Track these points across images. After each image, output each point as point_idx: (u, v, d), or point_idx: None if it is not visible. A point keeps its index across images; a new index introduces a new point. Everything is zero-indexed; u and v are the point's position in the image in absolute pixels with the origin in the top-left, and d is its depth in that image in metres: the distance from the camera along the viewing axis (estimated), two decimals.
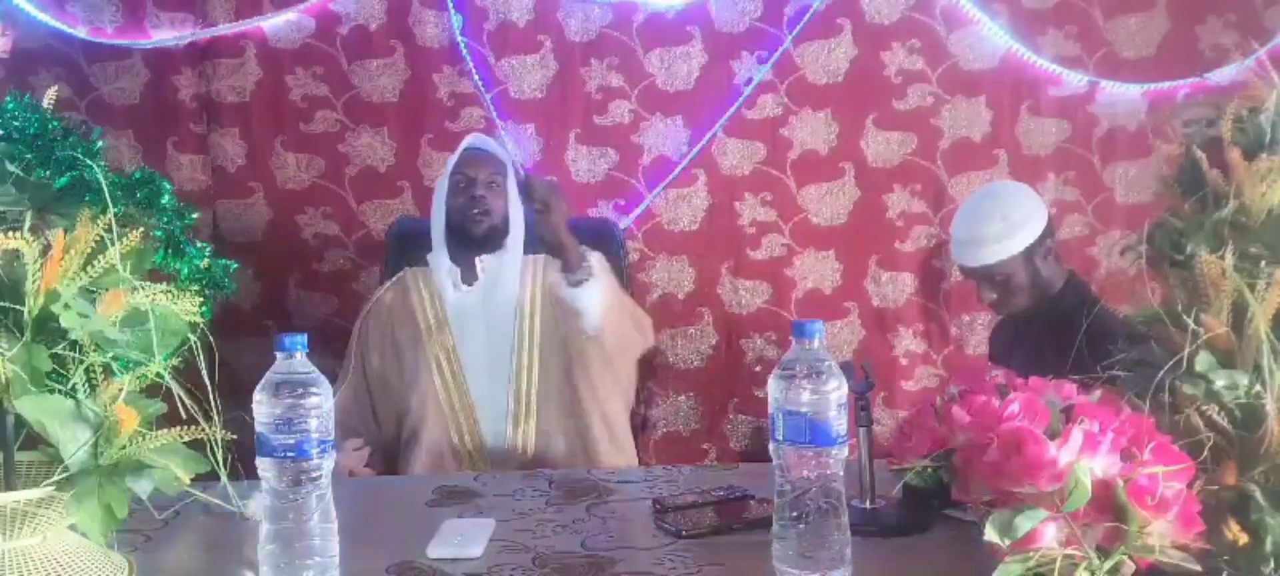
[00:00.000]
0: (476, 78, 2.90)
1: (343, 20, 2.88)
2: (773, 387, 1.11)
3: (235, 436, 1.15)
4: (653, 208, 2.95)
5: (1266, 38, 2.70)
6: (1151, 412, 1.11)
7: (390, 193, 2.93)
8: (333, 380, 2.13)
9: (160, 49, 2.87)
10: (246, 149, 2.91)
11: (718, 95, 2.91)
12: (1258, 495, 1.05)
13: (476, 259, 2.20)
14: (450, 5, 2.87)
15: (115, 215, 1.13)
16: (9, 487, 1.08)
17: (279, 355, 1.11)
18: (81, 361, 1.09)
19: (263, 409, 1.09)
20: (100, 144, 1.35)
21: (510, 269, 2.19)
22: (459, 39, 2.88)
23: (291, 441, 1.08)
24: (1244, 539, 1.04)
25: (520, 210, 2.21)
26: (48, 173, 1.24)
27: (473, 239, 2.18)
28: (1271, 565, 1.04)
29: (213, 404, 1.12)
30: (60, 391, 1.08)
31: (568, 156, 2.94)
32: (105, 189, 1.17)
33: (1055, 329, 2.02)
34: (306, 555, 1.10)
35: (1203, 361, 1.10)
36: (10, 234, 1.09)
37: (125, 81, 2.89)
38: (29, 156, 1.24)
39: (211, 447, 1.13)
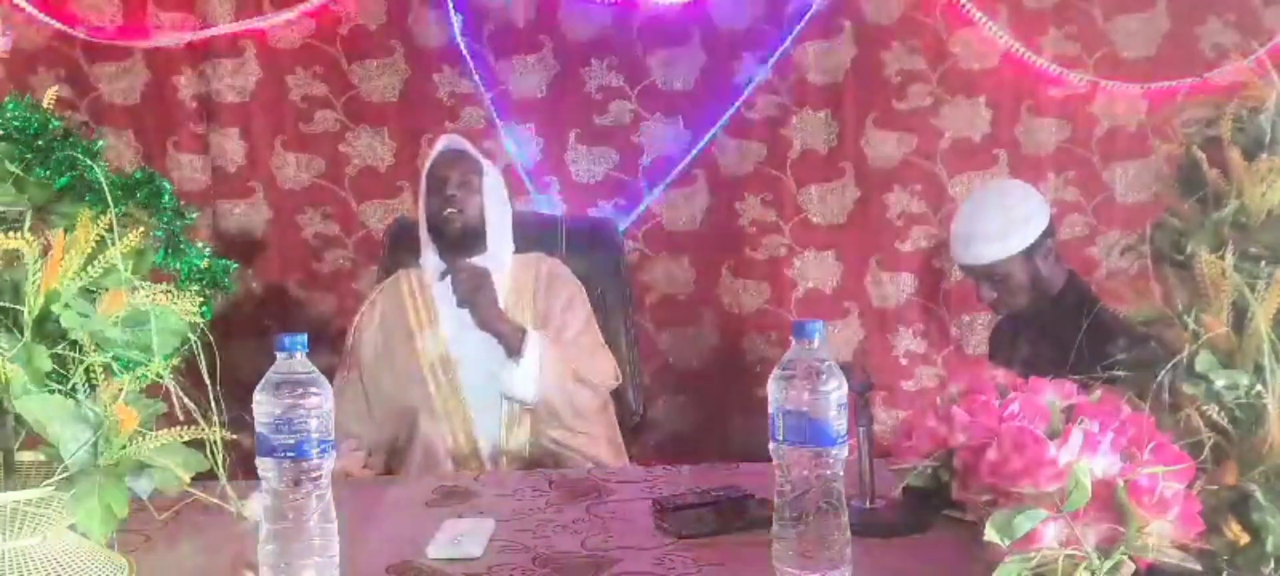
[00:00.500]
0: (476, 78, 2.90)
1: (343, 20, 2.88)
2: (773, 387, 1.11)
3: (235, 436, 1.15)
4: (653, 207, 2.95)
5: (1266, 38, 2.70)
6: (1151, 412, 1.11)
7: (390, 193, 2.93)
8: (331, 380, 2.12)
9: (160, 49, 2.87)
10: (246, 149, 2.91)
11: (718, 95, 2.91)
12: (1258, 495, 1.05)
13: (465, 261, 2.17)
14: (450, 5, 2.87)
15: (115, 215, 1.13)
16: (9, 487, 1.09)
17: (279, 355, 1.11)
18: (81, 361, 1.09)
19: (263, 409, 1.09)
20: (100, 144, 1.35)
21: (499, 270, 2.18)
22: (459, 39, 2.88)
23: (291, 441, 1.08)
24: (1245, 539, 1.04)
25: (502, 210, 2.21)
26: (48, 173, 1.24)
27: (449, 240, 2.16)
28: (1272, 565, 1.04)
29: (213, 404, 1.12)
30: (60, 391, 1.08)
31: (568, 156, 2.94)
32: (105, 189, 1.17)
33: (1055, 329, 2.03)
34: (306, 555, 1.10)
35: (1203, 361, 1.10)
36: (10, 234, 1.09)
37: (125, 81, 2.89)
38: (29, 156, 1.24)
39: (211, 448, 1.13)
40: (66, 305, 1.08)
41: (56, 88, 1.35)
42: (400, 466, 2.12)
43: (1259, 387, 1.07)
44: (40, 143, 1.27)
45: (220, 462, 1.14)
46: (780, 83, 2.90)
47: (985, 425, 1.15)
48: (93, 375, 1.09)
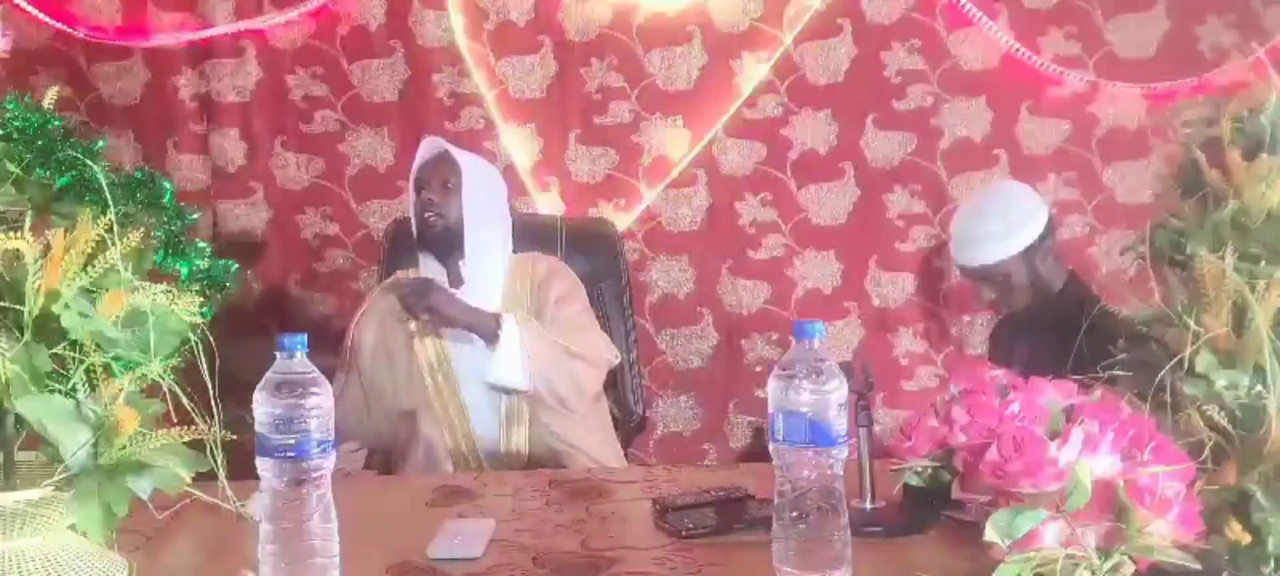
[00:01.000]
0: (476, 78, 2.90)
1: (343, 20, 2.88)
2: (773, 387, 1.11)
3: (235, 436, 1.15)
4: (653, 208, 2.95)
5: (1266, 38, 2.70)
6: (1152, 412, 1.11)
7: (390, 193, 2.93)
8: (331, 380, 2.12)
9: (160, 49, 2.87)
10: (246, 149, 2.91)
11: (718, 95, 2.91)
12: (1258, 495, 1.05)
13: (459, 263, 2.17)
14: (450, 5, 2.87)
15: (115, 215, 1.12)
16: (9, 487, 1.08)
17: (279, 355, 1.11)
18: (81, 361, 1.09)
19: (263, 409, 1.09)
20: (100, 144, 1.35)
21: (496, 269, 2.18)
22: (459, 39, 2.88)
23: (291, 441, 1.08)
24: (1247, 539, 1.04)
25: (488, 210, 2.18)
26: (48, 173, 1.24)
27: (432, 243, 2.16)
28: (1272, 565, 1.04)
29: (213, 404, 1.11)
30: (60, 391, 1.08)
31: (568, 156, 2.94)
32: (105, 189, 1.17)
33: (1055, 329, 2.02)
34: (306, 555, 1.10)
35: (1203, 361, 1.10)
36: (10, 234, 1.09)
37: (125, 81, 2.89)
38: (29, 156, 1.24)
39: (211, 448, 1.13)
40: (67, 305, 1.08)
41: (56, 88, 1.35)
42: (400, 466, 2.12)
43: (1259, 387, 1.07)
44: (40, 143, 1.28)
45: (220, 463, 1.14)
46: (780, 83, 2.90)
47: (985, 425, 1.15)
48: (93, 375, 1.09)
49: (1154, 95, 2.86)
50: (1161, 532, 1.01)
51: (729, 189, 2.94)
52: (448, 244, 2.15)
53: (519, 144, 2.93)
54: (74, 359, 1.09)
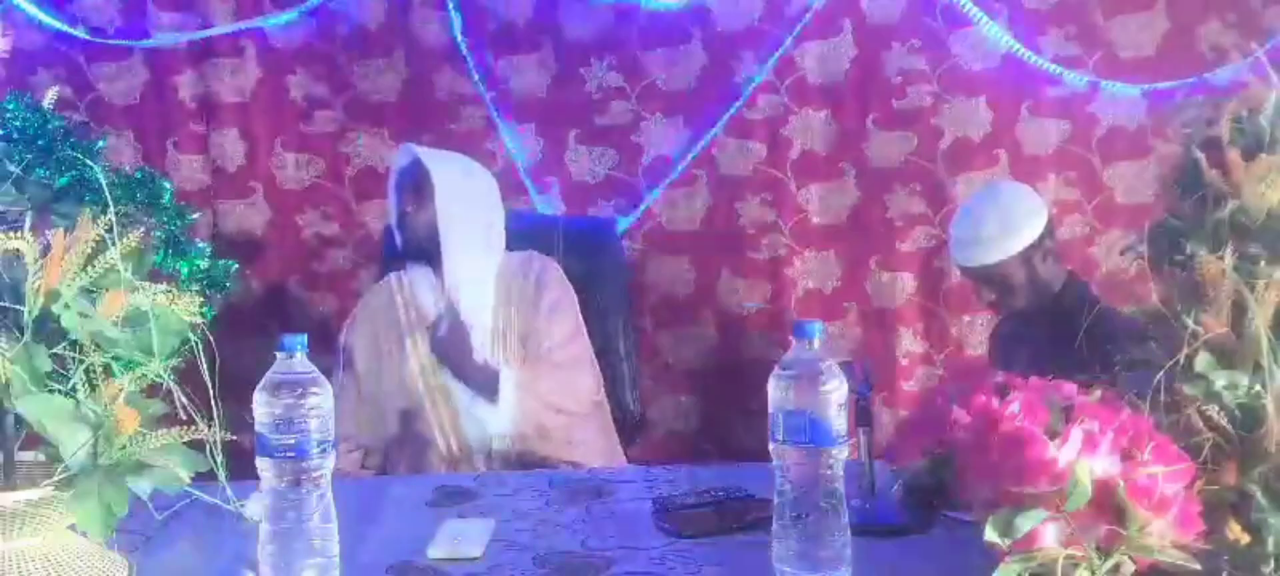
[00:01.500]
0: (476, 78, 2.90)
1: (342, 20, 2.88)
2: (773, 387, 1.11)
3: (235, 437, 1.15)
4: (653, 208, 2.95)
5: (1266, 38, 2.70)
6: (1151, 412, 1.10)
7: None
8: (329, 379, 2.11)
9: (160, 49, 2.87)
10: (246, 149, 2.91)
11: (718, 95, 2.91)
12: (1258, 495, 1.05)
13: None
14: (450, 5, 2.87)
15: (115, 215, 1.13)
16: (9, 487, 1.09)
17: (279, 355, 1.11)
18: (81, 361, 1.09)
19: (263, 409, 1.09)
20: (100, 144, 1.35)
21: (484, 271, 2.17)
22: (459, 39, 2.88)
23: (291, 441, 1.08)
24: (1247, 539, 1.04)
25: (473, 212, 2.16)
26: (48, 173, 1.24)
27: (411, 254, 2.16)
28: (1272, 565, 1.04)
29: (213, 404, 1.12)
30: (60, 391, 1.08)
31: (568, 156, 2.94)
32: (105, 189, 1.17)
33: (1055, 329, 2.03)
34: (306, 555, 1.10)
35: (1203, 361, 1.10)
36: (10, 234, 1.09)
37: (125, 81, 2.89)
38: (29, 156, 1.24)
39: (211, 448, 1.14)
40: (66, 305, 1.08)
41: (56, 88, 1.35)
42: (396, 467, 2.12)
43: (1259, 387, 1.07)
44: (40, 143, 1.28)
45: (220, 463, 1.14)
46: (780, 83, 2.90)
47: (985, 425, 1.15)
48: (93, 375, 1.09)
49: (1154, 95, 2.86)
50: (1161, 532, 1.01)
51: (729, 189, 2.94)
52: (429, 252, 2.14)
53: (519, 144, 2.93)
54: (74, 359, 1.09)
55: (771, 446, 1.12)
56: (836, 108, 2.91)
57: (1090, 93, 2.89)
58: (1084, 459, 1.05)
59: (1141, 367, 1.16)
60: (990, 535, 1.02)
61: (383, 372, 2.16)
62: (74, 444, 1.06)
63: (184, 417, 1.12)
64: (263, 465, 1.10)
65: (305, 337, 1.12)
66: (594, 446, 2.15)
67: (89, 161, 1.21)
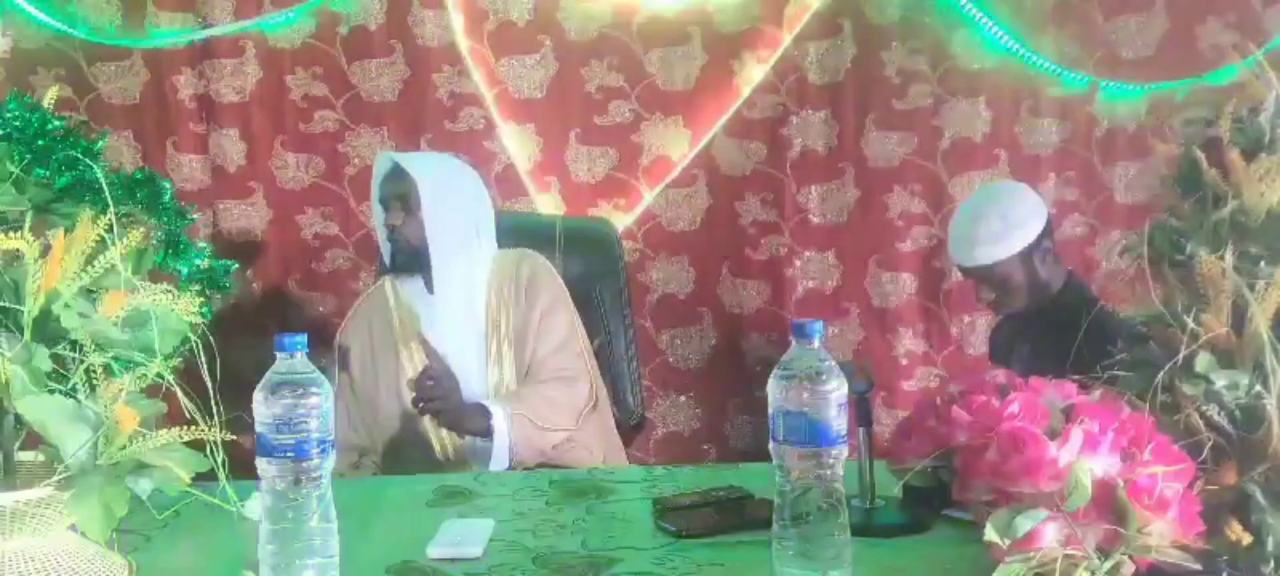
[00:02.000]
0: (476, 78, 2.90)
1: (343, 20, 2.88)
2: (773, 387, 1.11)
3: (235, 437, 1.15)
4: (653, 208, 2.95)
5: (1266, 38, 2.70)
6: (1151, 412, 1.11)
7: None
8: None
9: (160, 49, 2.87)
10: (246, 149, 2.91)
11: (718, 95, 2.91)
12: (1258, 495, 1.05)
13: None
14: (450, 5, 2.87)
15: (115, 215, 1.13)
16: (9, 487, 1.09)
17: (279, 355, 1.11)
18: (81, 361, 1.09)
19: (263, 409, 1.09)
20: (100, 144, 1.35)
21: (475, 273, 2.15)
22: (459, 39, 2.88)
23: (291, 441, 1.08)
24: (1248, 539, 1.04)
25: (460, 216, 2.13)
26: (48, 173, 1.24)
27: (402, 265, 2.12)
28: (1272, 565, 1.04)
29: (213, 404, 1.12)
30: (60, 391, 1.08)
31: (568, 156, 2.94)
32: (105, 189, 1.17)
33: (1055, 329, 2.03)
34: (306, 555, 1.10)
35: (1203, 361, 1.10)
36: (10, 234, 1.09)
37: (125, 81, 2.89)
38: (29, 156, 1.24)
39: (211, 448, 1.13)
40: (66, 305, 1.08)
41: (56, 88, 1.35)
42: (393, 471, 2.11)
43: (1259, 387, 1.08)
44: (40, 143, 1.28)
45: (220, 463, 1.14)
46: (780, 83, 2.90)
47: (985, 425, 1.15)
48: (93, 375, 1.09)
49: (1154, 95, 2.86)
50: (1161, 532, 1.02)
51: (729, 189, 2.94)
52: (420, 262, 2.11)
53: (519, 144, 2.93)
54: (74, 359, 1.09)
55: (771, 446, 1.12)
56: (836, 108, 2.91)
57: (1090, 93, 2.89)
58: (1084, 459, 1.05)
59: (1141, 368, 1.16)
60: (990, 535, 1.02)
61: (379, 376, 2.15)
62: (74, 444, 1.05)
63: (185, 417, 1.12)
64: (263, 465, 1.10)
65: (305, 338, 1.12)
66: (595, 446, 2.14)
67: (89, 161, 1.21)
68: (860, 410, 1.37)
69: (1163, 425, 1.10)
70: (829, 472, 1.09)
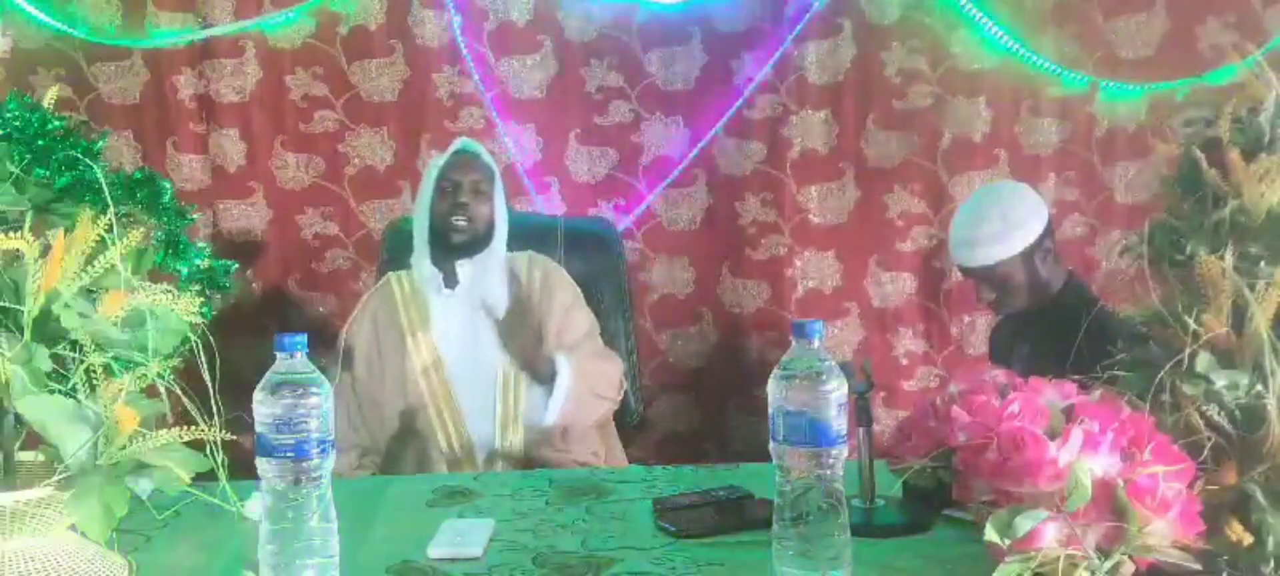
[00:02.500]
0: (476, 78, 2.90)
1: (343, 20, 2.88)
2: (773, 387, 1.11)
3: (235, 437, 1.15)
4: (653, 208, 2.95)
5: (1266, 38, 2.70)
6: (1151, 412, 1.11)
7: (390, 192, 2.93)
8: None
9: (160, 49, 2.87)
10: (246, 149, 2.91)
11: (718, 95, 2.91)
12: (1258, 495, 1.05)
13: (457, 263, 2.18)
14: (450, 5, 2.87)
15: (115, 215, 1.13)
16: (9, 487, 1.09)
17: (279, 355, 1.11)
18: (81, 361, 1.09)
19: (263, 409, 1.09)
20: (100, 144, 1.35)
21: (494, 272, 2.18)
22: (459, 39, 2.88)
23: (291, 441, 1.08)
24: (1248, 539, 1.04)
25: (505, 216, 2.21)
26: (48, 173, 1.24)
27: (452, 245, 2.16)
28: (1272, 565, 1.04)
29: (213, 404, 1.12)
30: (60, 391, 1.08)
31: (568, 156, 2.94)
32: (105, 189, 1.17)
33: (1055, 329, 2.03)
34: (306, 555, 1.10)
35: (1203, 361, 1.10)
36: (10, 234, 1.09)
37: (125, 81, 2.89)
38: (29, 156, 1.24)
39: (211, 448, 1.13)
40: (66, 305, 1.08)
41: (56, 88, 1.35)
42: (397, 466, 2.12)
43: (1259, 387, 1.08)
44: (40, 143, 1.27)
45: (220, 462, 1.14)
46: (780, 83, 2.90)
47: (985, 425, 1.15)
48: (93, 375, 1.09)
49: (1154, 95, 2.86)
50: (1161, 532, 1.02)
51: (729, 189, 2.94)
52: (468, 249, 2.15)
53: (519, 144, 2.93)
54: (74, 359, 1.09)
55: (771, 446, 1.12)
56: (836, 108, 2.91)
57: (1090, 93, 2.89)
58: (1084, 459, 1.05)
59: (1141, 367, 1.16)
60: (990, 535, 1.02)
61: (385, 372, 2.16)
62: (74, 444, 1.06)
63: (186, 417, 1.12)
64: (263, 465, 1.10)
65: (305, 337, 1.12)
66: (600, 448, 2.16)
67: (89, 161, 1.21)
68: (860, 410, 1.37)
69: (1163, 425, 1.10)
70: (829, 472, 1.09)
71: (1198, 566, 1.00)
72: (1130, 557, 1.01)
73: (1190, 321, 1.10)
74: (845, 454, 1.11)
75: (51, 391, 1.08)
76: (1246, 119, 1.18)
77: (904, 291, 2.96)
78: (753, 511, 1.39)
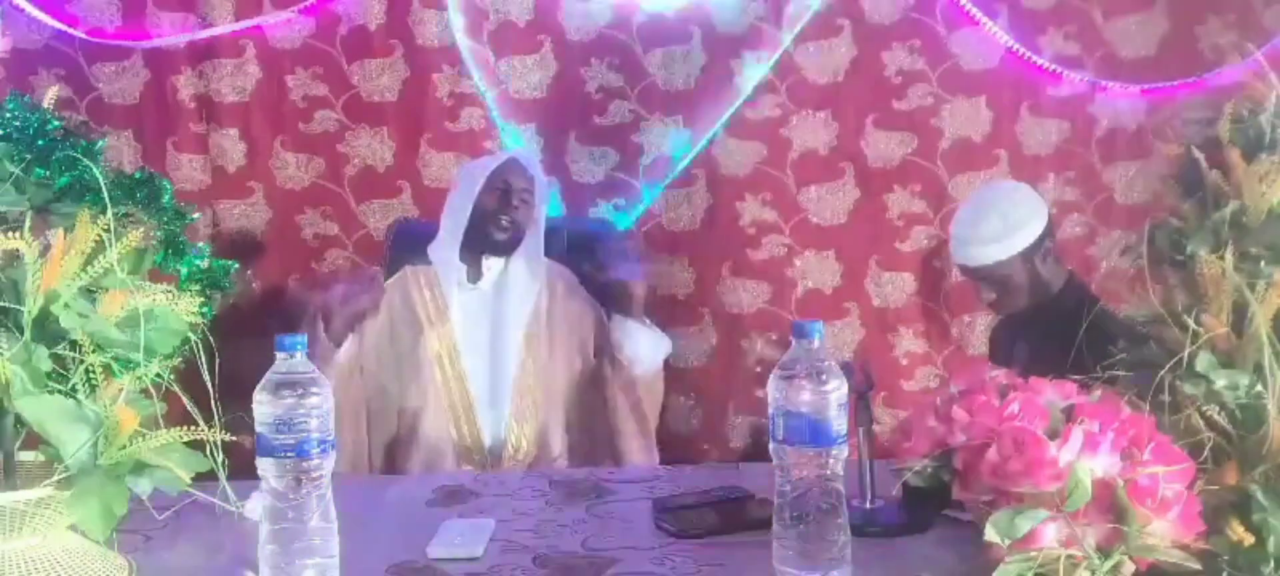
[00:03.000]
0: (476, 78, 2.90)
1: (343, 20, 2.88)
2: (773, 387, 1.11)
3: (235, 437, 1.15)
4: (653, 208, 2.95)
5: (1266, 38, 2.70)
6: (1152, 412, 1.11)
7: (390, 192, 2.93)
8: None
9: (160, 49, 2.87)
10: (246, 149, 2.91)
11: (718, 95, 2.91)
12: (1259, 495, 1.05)
13: (484, 258, 2.24)
14: (450, 5, 2.87)
15: (115, 215, 1.13)
16: (9, 487, 1.09)
17: (279, 355, 1.11)
18: (81, 361, 1.09)
19: (263, 409, 1.09)
20: (100, 144, 1.35)
21: (522, 270, 2.24)
22: (459, 39, 2.88)
23: (291, 441, 1.08)
24: (1249, 539, 1.04)
25: (541, 229, 2.29)
26: (48, 173, 1.24)
27: (489, 243, 2.22)
28: (1272, 565, 1.04)
29: (213, 404, 1.12)
30: (60, 391, 1.08)
31: (568, 156, 2.93)
32: (105, 189, 1.17)
33: (1055, 329, 2.03)
34: (306, 555, 1.10)
35: (1203, 361, 1.10)
36: (10, 234, 1.09)
37: (125, 81, 2.88)
38: (29, 156, 1.24)
39: (211, 448, 1.13)
40: (66, 305, 1.08)
41: (56, 88, 1.35)
42: (401, 461, 2.12)
43: (1259, 387, 1.08)
44: (40, 143, 1.28)
45: (220, 463, 1.14)
46: (780, 83, 2.90)
47: (985, 425, 1.15)
48: (93, 375, 1.09)
49: (1154, 95, 2.86)
50: (1161, 532, 1.02)
51: (729, 189, 2.94)
52: (502, 249, 2.24)
53: (519, 144, 2.92)
54: (74, 359, 1.09)
55: (771, 446, 1.12)
56: (836, 108, 2.91)
57: (1090, 93, 2.89)
58: (1084, 459, 1.05)
59: (1141, 367, 1.16)
60: (990, 535, 1.02)
61: (397, 360, 2.17)
62: (74, 444, 1.06)
63: (186, 417, 1.12)
64: (263, 465, 1.10)
65: (305, 338, 1.12)
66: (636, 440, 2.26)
67: (89, 161, 1.21)
68: (860, 410, 1.37)
69: (1163, 425, 1.10)
70: (829, 472, 1.09)
71: (1198, 566, 1.00)
72: (1130, 557, 1.01)
73: (1190, 321, 1.10)
74: (845, 454, 1.11)
75: (51, 391, 1.08)
76: (1246, 119, 1.18)
77: (904, 291, 2.96)
78: (753, 511, 1.39)
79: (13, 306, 1.09)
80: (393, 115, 2.91)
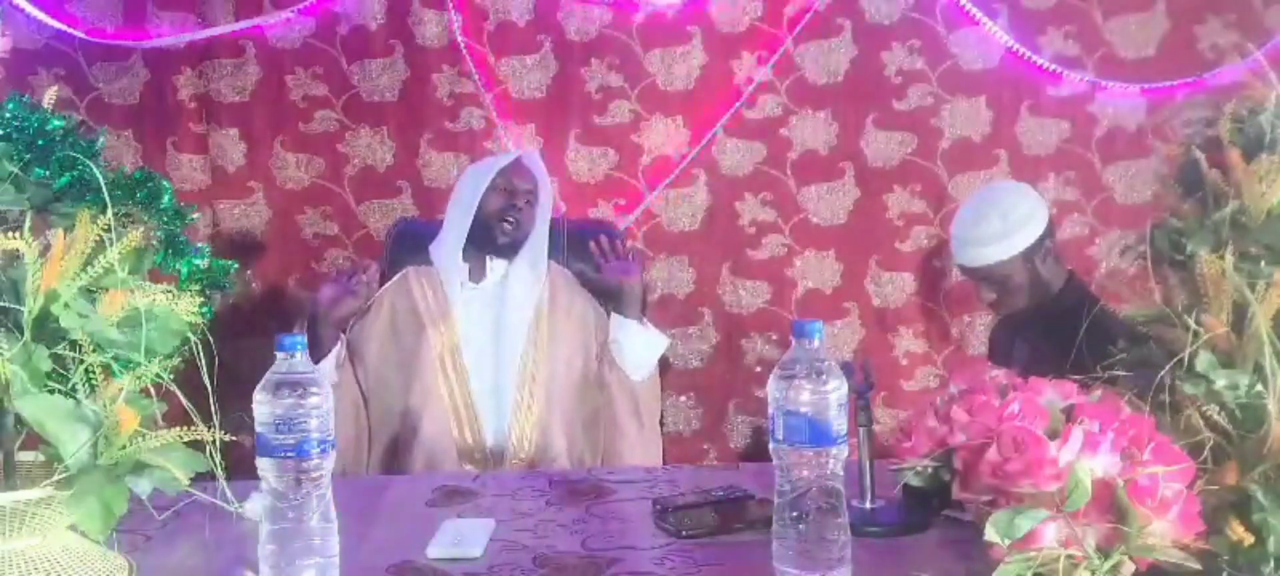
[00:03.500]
0: (476, 78, 2.90)
1: (343, 20, 2.88)
2: (773, 387, 1.11)
3: (235, 437, 1.15)
4: (653, 208, 2.95)
5: (1266, 38, 2.70)
6: (1151, 412, 1.10)
7: (390, 193, 2.93)
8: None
9: (160, 49, 2.87)
10: (246, 149, 2.91)
11: (718, 95, 2.91)
12: (1259, 495, 1.05)
13: (487, 258, 2.25)
14: (450, 5, 2.87)
15: (115, 215, 1.12)
16: (9, 487, 1.08)
17: (279, 355, 1.11)
18: (81, 361, 1.09)
19: (263, 409, 1.09)
20: (100, 144, 1.35)
21: (526, 271, 2.24)
22: (459, 39, 2.88)
23: (291, 441, 1.08)
24: (1250, 539, 1.04)
25: (546, 230, 2.29)
26: (48, 173, 1.24)
27: (494, 244, 2.23)
28: (1273, 565, 1.04)
29: (212, 404, 1.11)
30: (60, 391, 1.08)
31: (568, 156, 2.94)
32: (105, 189, 1.17)
33: (1055, 329, 2.03)
34: (306, 555, 1.10)
35: (1203, 361, 1.10)
36: (10, 234, 1.09)
37: (125, 81, 2.89)
38: (29, 156, 1.24)
39: (211, 448, 1.13)
40: (66, 305, 1.08)
41: (56, 88, 1.35)
42: (402, 461, 2.12)
43: (1259, 387, 1.07)
44: (40, 143, 1.27)
45: (219, 463, 1.14)
46: (780, 83, 2.90)
47: (985, 425, 1.15)
48: (92, 375, 1.09)
49: (1154, 95, 2.86)
50: (1161, 532, 1.01)
51: (729, 189, 2.94)
52: (505, 250, 2.24)
53: (519, 144, 2.93)
54: (74, 359, 1.09)
55: (771, 446, 1.12)
56: (836, 108, 2.91)
57: (1090, 93, 2.89)
58: (1084, 459, 1.05)
59: (1141, 368, 1.16)
60: (990, 535, 1.02)
61: (398, 367, 2.17)
62: (74, 444, 1.05)
63: (185, 417, 1.12)
64: (263, 465, 1.10)
65: (305, 338, 1.12)
66: (641, 448, 2.26)
67: (89, 161, 1.21)
68: (860, 410, 1.37)
69: (1163, 425, 1.10)
70: (829, 472, 1.09)
71: (1198, 566, 1.00)
72: (1130, 557, 1.01)
73: (1190, 321, 1.10)
74: (845, 454, 1.11)
75: (51, 391, 1.08)
76: (1246, 119, 1.18)
77: (904, 291, 2.96)
78: (753, 511, 1.39)
79: (13, 306, 1.09)
80: (393, 115, 2.92)
